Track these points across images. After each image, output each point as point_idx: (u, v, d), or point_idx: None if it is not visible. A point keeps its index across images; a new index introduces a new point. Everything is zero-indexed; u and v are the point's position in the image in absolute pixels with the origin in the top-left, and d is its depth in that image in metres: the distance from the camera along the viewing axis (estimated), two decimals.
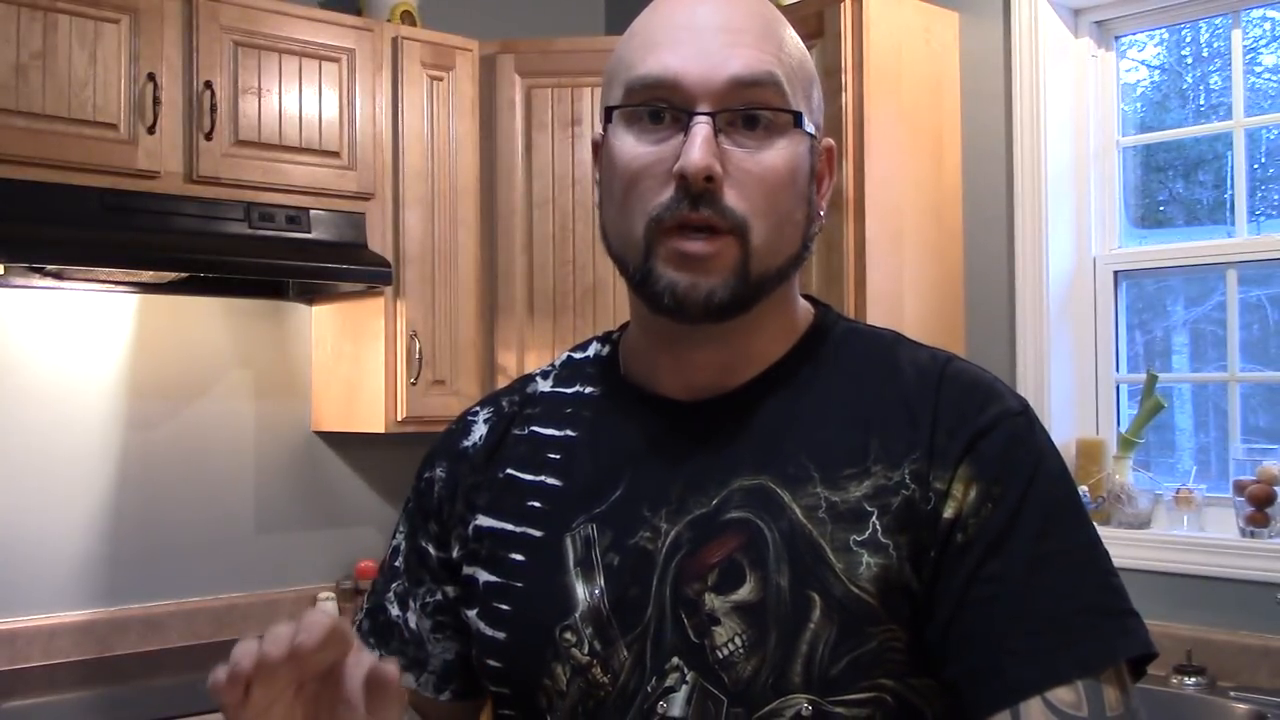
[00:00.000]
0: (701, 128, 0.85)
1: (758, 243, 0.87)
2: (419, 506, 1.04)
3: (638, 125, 0.88)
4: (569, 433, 0.98)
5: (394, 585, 1.05)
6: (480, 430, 1.03)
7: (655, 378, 0.96)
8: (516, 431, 1.01)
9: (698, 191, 0.85)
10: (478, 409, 1.05)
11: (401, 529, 1.06)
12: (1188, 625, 2.40)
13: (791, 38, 0.92)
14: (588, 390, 1.00)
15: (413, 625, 1.03)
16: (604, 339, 1.04)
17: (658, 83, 0.87)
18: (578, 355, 1.04)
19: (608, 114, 0.91)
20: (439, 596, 1.02)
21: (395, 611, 1.04)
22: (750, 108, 0.87)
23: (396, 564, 1.05)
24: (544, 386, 1.03)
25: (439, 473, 1.03)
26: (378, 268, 2.76)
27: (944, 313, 2.78)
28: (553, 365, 1.05)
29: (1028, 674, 0.80)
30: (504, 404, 1.04)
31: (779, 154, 0.88)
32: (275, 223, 2.67)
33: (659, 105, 0.87)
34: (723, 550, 0.87)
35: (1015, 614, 0.82)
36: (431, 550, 1.02)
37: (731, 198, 0.86)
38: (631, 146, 0.88)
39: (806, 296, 1.00)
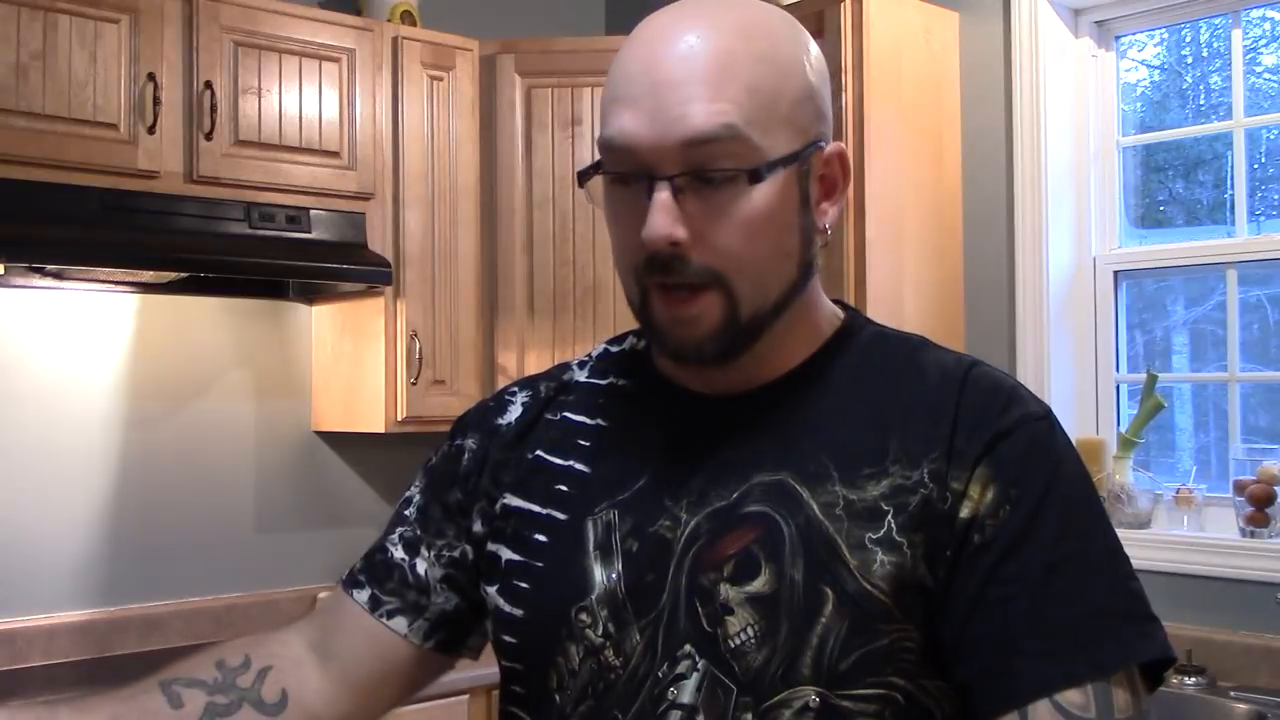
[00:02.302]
0: (660, 195, 0.85)
1: (742, 289, 0.88)
2: (446, 469, 1.07)
3: (613, 186, 0.90)
4: (599, 421, 1.00)
5: (401, 530, 1.08)
6: (516, 411, 1.05)
7: (685, 375, 0.98)
8: (549, 416, 1.03)
9: (665, 258, 0.86)
10: (516, 389, 1.08)
11: (419, 483, 1.09)
12: (1188, 625, 2.40)
13: (766, 63, 0.88)
14: (620, 382, 1.03)
15: (420, 571, 1.05)
16: (640, 333, 1.06)
17: (618, 148, 0.88)
18: (614, 348, 1.07)
19: (581, 176, 0.92)
20: (457, 553, 1.04)
21: (400, 555, 1.07)
22: (704, 169, 0.86)
23: (407, 513, 1.08)
24: (580, 376, 1.06)
25: (470, 443, 1.06)
26: (378, 268, 2.76)
27: (944, 313, 2.78)
28: (589, 356, 1.08)
29: (1039, 675, 0.81)
30: (541, 388, 1.06)
31: (747, 206, 0.87)
32: (275, 223, 2.67)
33: (623, 170, 0.88)
34: (740, 542, 0.88)
35: (1030, 616, 0.83)
36: (455, 513, 1.05)
37: (700, 256, 0.87)
38: (612, 210, 0.91)
39: (837, 301, 1.02)
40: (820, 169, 0.93)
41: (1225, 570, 2.42)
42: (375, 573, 1.07)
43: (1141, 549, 2.47)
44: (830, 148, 0.93)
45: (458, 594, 1.05)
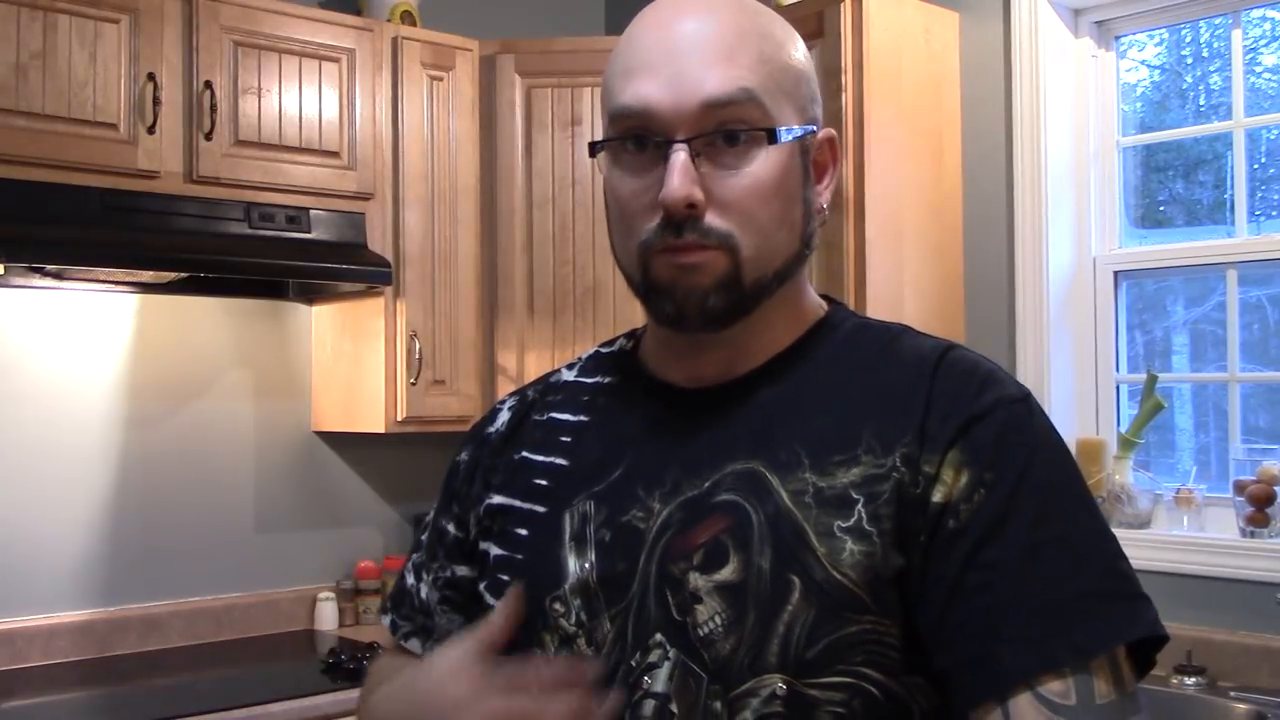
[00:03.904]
0: (678, 156, 0.88)
1: (747, 254, 0.90)
2: (446, 487, 1.11)
3: (624, 155, 0.92)
4: (582, 418, 1.02)
5: (414, 555, 1.13)
6: (504, 417, 1.08)
7: (666, 369, 0.99)
8: (536, 417, 1.05)
9: (680, 219, 0.88)
10: (506, 398, 1.11)
11: (434, 506, 1.13)
12: (1188, 625, 2.40)
13: (772, 40, 0.93)
14: (607, 380, 1.05)
15: (423, 595, 1.10)
16: (630, 335, 1.08)
17: (635, 113, 0.90)
18: (604, 350, 1.09)
19: (593, 147, 0.95)
20: (448, 574, 1.08)
21: (410, 580, 1.12)
22: (723, 129, 0.89)
23: (422, 537, 1.13)
24: (568, 376, 1.08)
25: (464, 456, 1.10)
26: (378, 268, 2.76)
27: (944, 313, 2.78)
28: (580, 359, 1.10)
29: (1020, 662, 0.80)
30: (529, 393, 1.09)
31: (760, 167, 0.90)
32: (275, 223, 2.67)
33: (638, 135, 0.91)
34: (709, 531, 0.89)
35: (1009, 602, 0.81)
36: (451, 530, 1.08)
37: (714, 218, 0.89)
38: (620, 179, 0.93)
39: (825, 296, 1.03)
40: (815, 152, 0.96)
41: (1225, 570, 2.42)
42: (396, 599, 1.13)
43: (1141, 549, 2.47)
44: (822, 133, 0.97)
45: (459, 614, 1.07)
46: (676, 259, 0.90)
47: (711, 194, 0.89)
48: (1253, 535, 2.42)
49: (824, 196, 0.97)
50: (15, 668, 2.60)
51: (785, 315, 0.97)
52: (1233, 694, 2.29)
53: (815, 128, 0.96)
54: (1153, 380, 2.60)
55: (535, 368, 3.01)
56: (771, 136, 0.90)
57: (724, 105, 0.88)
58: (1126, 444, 2.63)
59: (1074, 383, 2.76)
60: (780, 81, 0.92)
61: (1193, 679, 2.33)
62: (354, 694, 2.43)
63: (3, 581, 2.64)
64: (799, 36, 0.98)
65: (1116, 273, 2.76)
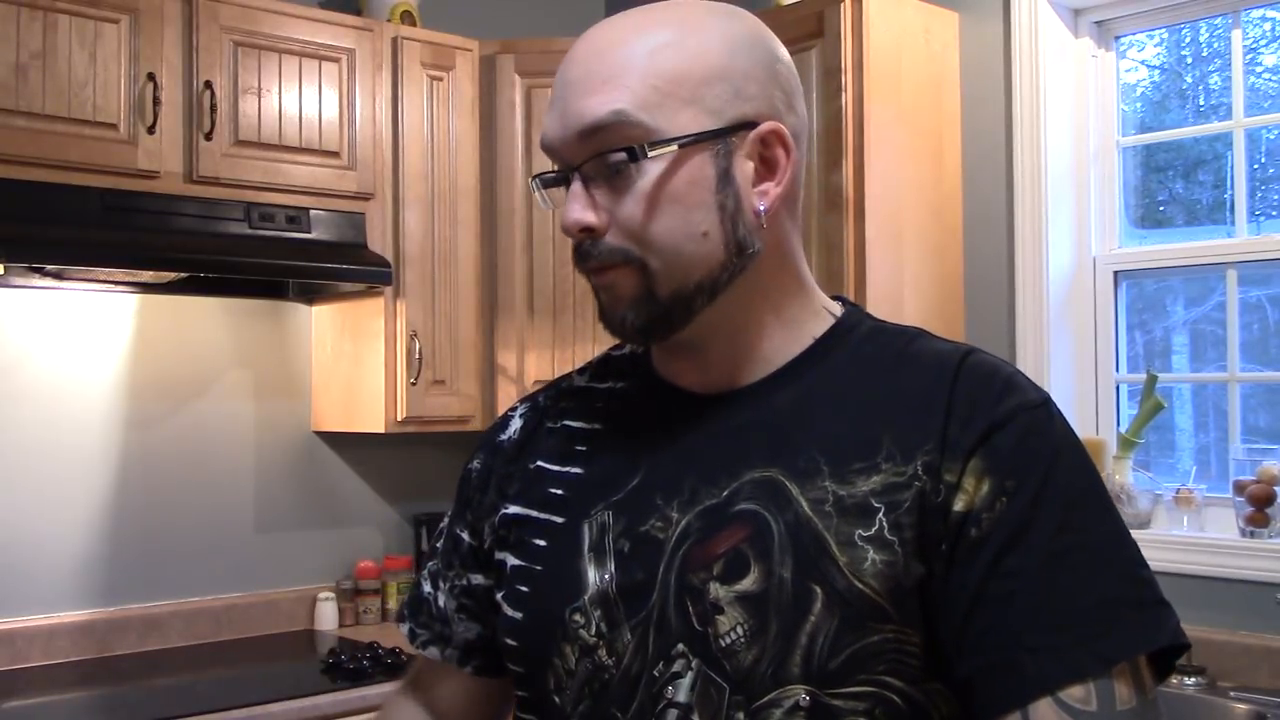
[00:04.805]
0: (573, 186, 0.92)
1: (655, 266, 0.91)
2: (460, 495, 1.11)
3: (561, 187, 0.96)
4: (596, 425, 1.02)
5: (430, 563, 1.13)
6: (516, 424, 1.08)
7: (677, 374, 0.99)
8: (549, 424, 1.05)
9: (580, 244, 0.92)
10: (518, 405, 1.11)
11: (449, 513, 1.13)
12: (1188, 625, 2.37)
13: (671, 48, 0.89)
14: (619, 385, 1.05)
15: (440, 603, 1.10)
16: None
17: (544, 149, 0.95)
18: (616, 353, 1.08)
19: (533, 182, 1.00)
20: (464, 582, 1.08)
21: (427, 588, 1.12)
22: (595, 155, 0.90)
23: (438, 545, 1.13)
24: (580, 382, 1.08)
25: (476, 464, 1.09)
26: (378, 268, 2.76)
27: (944, 313, 2.78)
28: (590, 362, 1.10)
29: (1043, 671, 0.80)
30: (540, 399, 1.09)
31: (646, 183, 0.89)
32: (275, 223, 2.67)
33: (552, 171, 0.95)
34: (730, 541, 0.88)
35: (1032, 610, 0.81)
36: (465, 537, 1.08)
37: (612, 237, 0.91)
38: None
39: (838, 297, 1.02)
40: (756, 149, 0.92)
41: (1225, 570, 2.42)
42: (413, 607, 1.13)
43: (1142, 549, 2.46)
44: (763, 126, 0.91)
45: (476, 622, 1.08)
46: (596, 280, 0.93)
47: (610, 215, 0.91)
48: (1253, 535, 2.42)
49: (770, 195, 0.92)
50: (15, 668, 2.60)
51: (784, 320, 0.96)
52: (1233, 694, 2.29)
53: (752, 125, 0.91)
54: (1153, 380, 2.60)
55: (535, 368, 3.01)
56: (631, 155, 0.88)
57: (596, 131, 0.89)
58: (1126, 444, 2.63)
59: (1074, 383, 2.76)
60: (671, 93, 0.89)
61: (1193, 679, 2.33)
62: (354, 694, 2.44)
63: (3, 581, 2.64)
64: (749, 31, 0.93)
65: (1116, 273, 2.76)
